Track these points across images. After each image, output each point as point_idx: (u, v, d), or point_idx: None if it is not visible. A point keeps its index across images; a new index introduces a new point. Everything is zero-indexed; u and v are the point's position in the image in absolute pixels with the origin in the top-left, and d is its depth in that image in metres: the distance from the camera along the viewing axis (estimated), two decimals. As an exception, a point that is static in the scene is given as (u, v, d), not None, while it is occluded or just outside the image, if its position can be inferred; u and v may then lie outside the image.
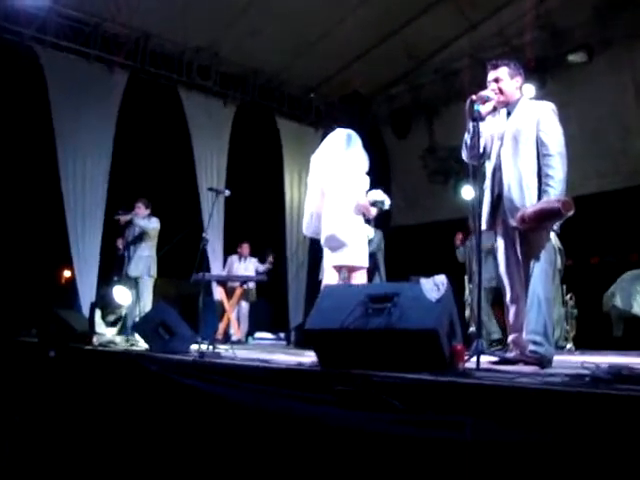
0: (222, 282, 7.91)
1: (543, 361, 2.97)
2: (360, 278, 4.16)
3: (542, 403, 1.91)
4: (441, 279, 2.67)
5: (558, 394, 1.93)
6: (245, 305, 8.58)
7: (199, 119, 9.05)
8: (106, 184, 8.10)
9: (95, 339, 4.99)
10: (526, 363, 3.01)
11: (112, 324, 5.25)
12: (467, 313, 6.17)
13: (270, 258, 8.46)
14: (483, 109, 3.16)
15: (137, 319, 5.53)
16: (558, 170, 3.09)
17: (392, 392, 2.29)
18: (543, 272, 3.10)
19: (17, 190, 7.43)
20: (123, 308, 5.31)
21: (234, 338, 7.65)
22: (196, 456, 3.06)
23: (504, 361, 3.12)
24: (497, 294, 4.72)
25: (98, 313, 5.30)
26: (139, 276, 6.59)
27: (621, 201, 7.34)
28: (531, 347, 3.01)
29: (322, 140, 4.59)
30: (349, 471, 2.33)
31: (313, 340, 2.89)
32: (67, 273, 8.17)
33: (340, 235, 4.12)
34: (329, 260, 4.21)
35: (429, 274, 2.74)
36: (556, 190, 3.07)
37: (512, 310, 3.23)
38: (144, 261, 6.62)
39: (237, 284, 7.74)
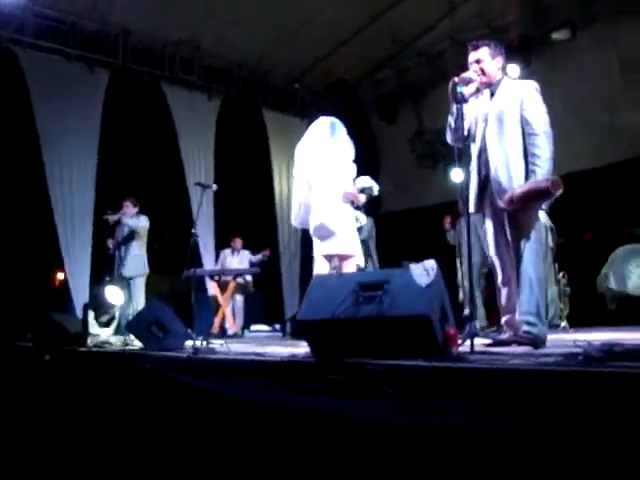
0: (215, 277, 7.89)
1: (537, 341, 2.97)
2: (351, 266, 4.15)
3: (536, 384, 1.90)
4: (430, 264, 2.65)
5: (551, 374, 1.92)
6: (240, 298, 8.57)
7: (184, 114, 8.99)
8: (93, 184, 8.05)
9: (89, 340, 4.96)
10: (520, 344, 3.00)
11: (105, 324, 5.22)
12: (460, 296, 6.19)
13: (266, 252, 8.44)
14: (466, 91, 3.13)
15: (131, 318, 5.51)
16: (544, 149, 3.07)
17: (386, 380, 2.28)
18: (533, 252, 3.09)
19: (4, 194, 7.35)
20: (116, 308, 5.28)
21: (230, 332, 7.64)
22: (194, 453, 3.05)
23: (498, 343, 3.12)
24: (488, 279, 4.74)
25: (91, 314, 5.27)
26: (132, 276, 6.56)
27: (610, 176, 7.35)
28: (524, 328, 3.01)
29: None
30: (345, 461, 2.32)
31: (306, 331, 2.88)
32: (60, 276, 8.12)
33: (329, 224, 4.10)
34: (319, 250, 4.20)
35: (422, 259, 2.72)
36: (543, 169, 3.05)
37: (504, 292, 3.23)
38: (136, 260, 6.59)
39: (230, 278, 7.72)
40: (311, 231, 4.24)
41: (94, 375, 4.16)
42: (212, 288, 8.03)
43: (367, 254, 6.38)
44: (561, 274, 6.12)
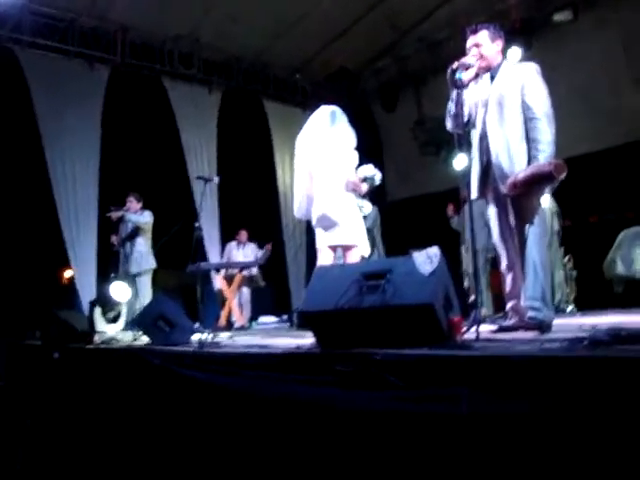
0: (219, 269, 7.89)
1: (543, 326, 2.94)
2: (355, 256, 4.13)
3: (541, 370, 1.88)
4: (434, 251, 2.63)
5: (556, 360, 1.90)
6: (246, 291, 8.56)
7: (185, 108, 8.98)
8: (97, 181, 8.06)
9: (97, 337, 4.98)
10: (526, 329, 2.98)
11: (112, 321, 5.24)
12: (466, 283, 6.16)
13: (269, 246, 8.42)
14: (465, 76, 3.08)
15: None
16: (546, 132, 3.03)
17: (391, 369, 2.27)
18: (537, 237, 3.06)
19: (8, 194, 7.37)
20: (122, 304, 5.29)
21: (237, 325, 7.65)
22: (202, 447, 3.06)
23: (504, 329, 3.10)
24: (494, 264, 4.70)
25: (98, 311, 5.28)
26: (137, 272, 6.57)
27: (616, 158, 7.29)
28: (530, 313, 2.99)
29: (310, 120, 4.51)
30: (353, 451, 2.32)
31: (310, 322, 2.87)
32: (68, 273, 8.14)
33: (331, 214, 4.07)
34: (323, 240, 4.17)
35: (428, 246, 2.69)
36: (546, 153, 3.00)
37: (508, 277, 3.21)
38: (141, 256, 6.60)
39: (236, 271, 7.72)
40: (313, 222, 4.21)
41: (102, 372, 4.18)
42: (218, 281, 8.03)
43: (372, 243, 6.36)
44: (567, 258, 6.08)
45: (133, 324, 4.92)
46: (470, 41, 3.21)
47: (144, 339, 4.59)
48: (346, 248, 4.16)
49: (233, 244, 8.73)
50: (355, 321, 2.66)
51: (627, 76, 7.22)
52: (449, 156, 8.54)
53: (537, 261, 3.02)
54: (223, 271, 7.97)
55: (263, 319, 8.63)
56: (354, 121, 4.35)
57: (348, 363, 2.43)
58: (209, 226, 8.88)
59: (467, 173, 3.22)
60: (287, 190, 9.82)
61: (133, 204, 6.66)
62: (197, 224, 4.71)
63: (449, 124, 3.27)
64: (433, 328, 2.49)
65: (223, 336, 4.48)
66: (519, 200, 3.10)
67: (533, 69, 3.14)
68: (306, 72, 9.86)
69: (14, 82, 7.50)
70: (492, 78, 3.21)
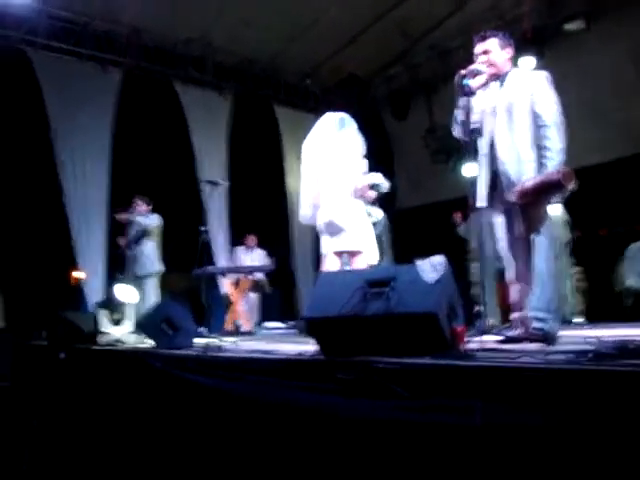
0: (226, 274, 7.89)
1: (548, 338, 2.90)
2: (361, 263, 4.10)
3: (543, 382, 1.85)
4: (438, 260, 2.60)
5: (560, 372, 1.87)
6: (254, 296, 8.55)
7: (196, 112, 9.00)
8: (107, 183, 8.08)
9: (102, 339, 4.98)
10: (531, 341, 2.94)
11: (117, 322, 5.25)
12: (473, 292, 6.10)
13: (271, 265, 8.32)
14: (473, 83, 3.06)
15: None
16: (555, 140, 2.99)
17: (394, 378, 2.24)
18: (545, 247, 3.02)
19: (19, 194, 7.42)
20: (127, 306, 5.30)
21: (243, 329, 7.63)
22: (203, 451, 3.04)
23: (509, 340, 3.06)
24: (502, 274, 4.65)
25: (104, 312, 5.30)
26: (144, 274, 6.58)
27: (627, 170, 7.22)
28: (535, 324, 2.94)
29: (320, 126, 4.49)
30: (355, 460, 2.30)
31: (313, 329, 2.85)
32: (77, 274, 8.17)
33: (338, 220, 4.05)
34: (329, 246, 4.15)
35: (439, 255, 2.66)
36: (555, 161, 2.97)
37: (515, 288, 3.17)
38: (148, 259, 6.61)
39: (243, 275, 7.71)
40: (320, 228, 4.19)
41: (107, 373, 4.18)
42: (225, 286, 8.02)
43: (381, 251, 6.33)
44: (576, 269, 6.02)
45: (136, 327, 4.93)
46: (479, 48, 3.18)
47: (149, 342, 4.59)
48: (352, 254, 4.13)
49: (241, 248, 8.72)
50: (358, 328, 2.64)
51: (637, 87, 7.16)
52: (460, 164, 8.51)
53: (544, 271, 2.98)
54: (230, 275, 7.97)
55: (270, 324, 8.61)
56: (365, 129, 4.33)
57: (350, 371, 2.41)
58: (218, 230, 8.89)
59: (473, 182, 3.19)
60: (296, 195, 9.75)
61: (141, 207, 6.69)
62: (203, 228, 4.72)
63: (457, 132, 3.25)
64: (436, 337, 2.46)
65: (227, 341, 4.46)
66: (527, 209, 3.06)
67: (543, 77, 3.11)
68: (317, 78, 9.88)
69: (26, 83, 7.55)
70: (501, 86, 3.19)
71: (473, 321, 3.14)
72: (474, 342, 2.70)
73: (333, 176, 4.10)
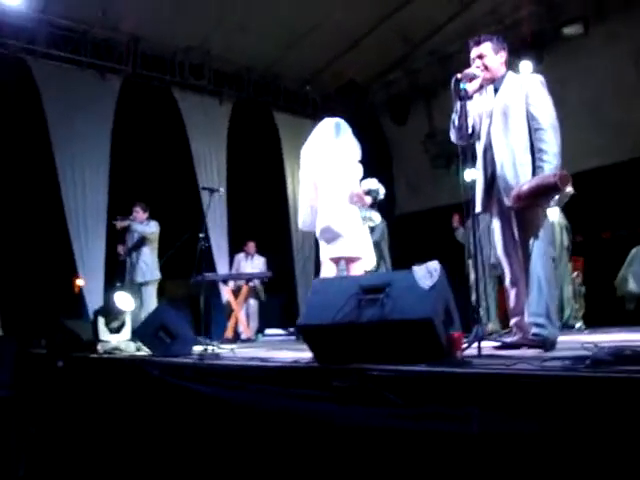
0: (226, 281, 7.87)
1: (546, 343, 2.87)
2: (358, 269, 4.08)
3: (540, 390, 1.83)
4: (434, 265, 2.58)
5: (556, 379, 1.84)
6: (254, 303, 8.53)
7: (195, 119, 9.01)
8: (106, 190, 8.09)
9: (100, 347, 4.96)
10: (529, 347, 2.91)
11: (116, 330, 5.23)
12: (473, 297, 6.06)
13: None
14: (469, 87, 3.05)
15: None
16: (552, 143, 2.97)
17: (389, 385, 2.22)
18: (542, 252, 2.99)
19: (18, 202, 7.42)
20: (126, 314, 5.28)
21: (243, 336, 7.62)
22: (199, 459, 3.02)
23: (507, 346, 3.03)
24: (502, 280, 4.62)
25: (102, 320, 5.28)
26: (143, 282, 6.56)
27: (626, 173, 7.19)
28: (533, 330, 2.91)
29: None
30: (349, 468, 2.27)
31: (308, 336, 2.82)
32: (80, 282, 8.16)
33: (335, 226, 4.03)
34: (326, 252, 4.13)
35: (438, 260, 2.63)
36: (551, 164, 2.95)
37: (512, 293, 3.14)
38: (147, 266, 6.59)
39: (243, 282, 7.69)
40: (317, 234, 4.18)
41: (105, 381, 4.17)
42: (225, 293, 8.00)
43: (380, 256, 6.30)
44: (575, 274, 5.99)
45: (133, 335, 4.92)
46: (474, 52, 3.17)
47: (147, 349, 4.57)
48: (349, 260, 4.12)
49: (241, 256, 8.71)
50: (353, 336, 2.61)
51: (637, 90, 7.14)
52: (460, 169, 8.46)
53: (542, 276, 2.95)
54: (231, 283, 7.96)
55: (270, 331, 8.58)
56: (364, 134, 4.32)
57: (345, 379, 2.39)
58: (218, 237, 8.88)
59: (470, 186, 3.17)
60: (297, 202, 9.76)
61: (139, 214, 6.68)
62: (201, 235, 4.70)
63: (453, 136, 3.23)
64: (432, 344, 2.44)
65: (225, 348, 4.44)
66: (523, 213, 3.03)
67: (537, 80, 3.10)
68: (316, 84, 9.88)
69: (25, 91, 7.57)
70: (496, 90, 3.17)
71: (472, 327, 3.10)
72: (472, 348, 2.67)
73: (330, 182, 4.09)
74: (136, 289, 6.46)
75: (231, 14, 7.78)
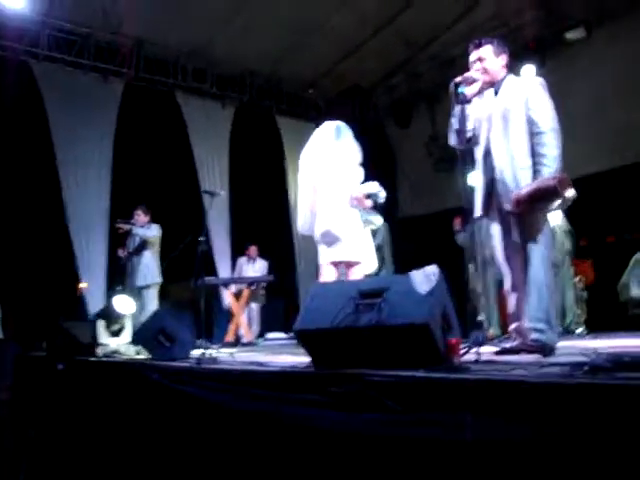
0: (227, 285, 7.85)
1: (545, 349, 2.84)
2: (358, 273, 4.05)
3: (536, 396, 1.80)
4: (432, 270, 2.55)
5: (553, 386, 1.81)
6: (255, 307, 8.51)
7: (198, 123, 9.03)
8: (108, 193, 8.11)
9: (99, 350, 4.96)
10: (528, 352, 2.88)
11: (116, 334, 5.23)
12: (474, 302, 6.03)
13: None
14: (469, 91, 3.03)
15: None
16: (552, 147, 2.94)
17: (386, 391, 2.20)
18: (542, 257, 2.96)
19: (20, 205, 7.43)
20: (125, 317, 5.28)
21: (245, 340, 7.59)
22: (199, 463, 3.01)
23: (506, 351, 3.00)
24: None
25: (102, 323, 5.28)
26: (144, 285, 6.56)
27: (629, 177, 7.16)
28: (533, 335, 2.88)
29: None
30: (345, 474, 2.25)
31: (305, 340, 2.80)
32: (81, 284, 8.16)
33: (334, 230, 4.00)
34: (325, 256, 4.10)
35: (440, 264, 2.61)
36: (551, 168, 2.92)
37: (512, 298, 3.10)
38: (147, 270, 6.58)
39: (244, 286, 7.67)
40: (316, 238, 4.15)
41: (104, 385, 4.16)
42: (227, 297, 7.98)
43: (382, 260, 6.28)
44: (577, 278, 5.95)
45: (133, 338, 4.91)
46: (473, 55, 3.15)
47: (147, 353, 4.56)
48: (349, 264, 4.09)
49: (243, 259, 8.70)
50: (351, 340, 2.59)
51: (639, 94, 7.11)
52: (464, 172, 8.43)
53: (542, 281, 2.92)
54: (232, 286, 7.94)
55: (271, 335, 8.55)
56: (367, 137, 4.30)
57: (342, 384, 2.36)
58: (220, 240, 8.88)
59: (470, 190, 3.15)
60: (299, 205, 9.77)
61: (141, 217, 6.67)
62: (202, 238, 4.69)
63: (452, 140, 3.21)
64: (429, 349, 2.41)
65: (225, 352, 4.41)
66: (523, 217, 3.00)
67: (537, 83, 3.07)
68: (319, 88, 9.88)
69: (28, 94, 7.59)
70: (496, 93, 3.15)
71: (472, 332, 3.07)
72: (470, 354, 2.65)
73: (330, 185, 4.07)
74: (137, 292, 6.44)
75: (234, 18, 7.79)
